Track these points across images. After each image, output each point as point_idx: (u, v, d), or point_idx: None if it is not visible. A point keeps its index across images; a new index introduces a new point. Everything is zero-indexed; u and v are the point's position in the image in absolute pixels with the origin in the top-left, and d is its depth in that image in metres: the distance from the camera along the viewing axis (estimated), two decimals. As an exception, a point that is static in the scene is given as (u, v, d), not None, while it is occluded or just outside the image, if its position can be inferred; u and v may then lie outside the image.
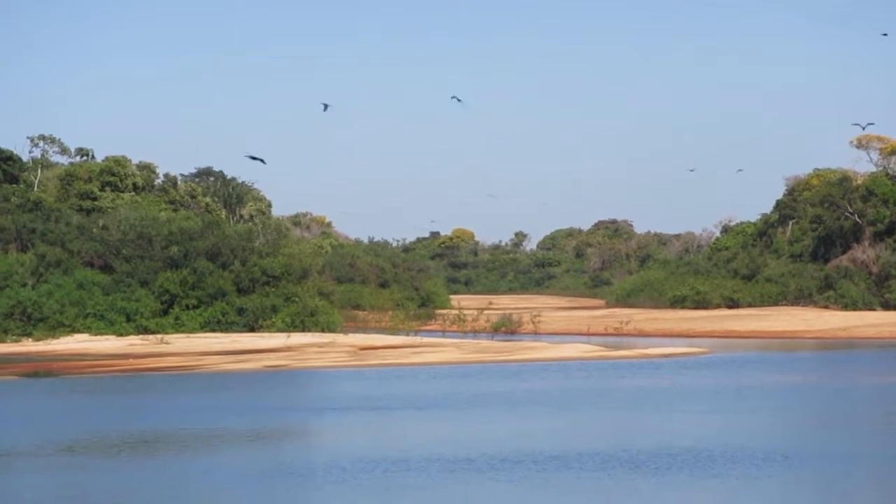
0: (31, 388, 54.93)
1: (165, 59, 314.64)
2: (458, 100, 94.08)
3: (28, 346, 79.24)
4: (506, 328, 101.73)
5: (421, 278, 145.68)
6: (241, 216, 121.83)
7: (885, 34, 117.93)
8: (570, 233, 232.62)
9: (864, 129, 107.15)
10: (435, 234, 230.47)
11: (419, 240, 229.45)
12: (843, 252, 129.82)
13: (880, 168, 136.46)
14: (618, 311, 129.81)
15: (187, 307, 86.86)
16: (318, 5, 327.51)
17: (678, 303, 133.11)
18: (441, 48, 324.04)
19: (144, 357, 70.04)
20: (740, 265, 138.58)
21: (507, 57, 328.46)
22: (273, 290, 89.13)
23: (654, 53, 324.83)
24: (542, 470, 30.16)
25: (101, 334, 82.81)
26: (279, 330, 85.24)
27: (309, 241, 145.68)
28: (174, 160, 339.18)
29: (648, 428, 38.93)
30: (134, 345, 77.92)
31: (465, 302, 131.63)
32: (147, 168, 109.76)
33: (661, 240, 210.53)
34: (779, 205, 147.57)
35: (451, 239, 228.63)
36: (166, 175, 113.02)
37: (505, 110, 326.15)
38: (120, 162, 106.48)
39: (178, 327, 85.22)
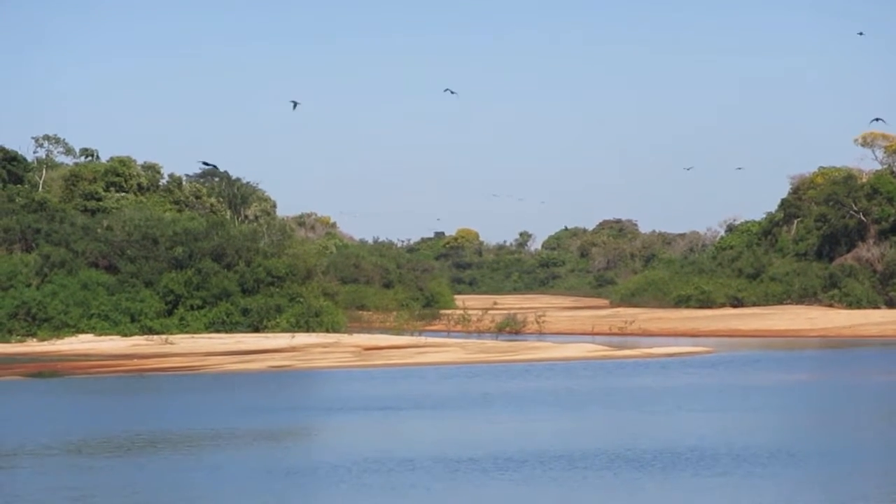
0: (36, 389, 54.95)
1: (169, 59, 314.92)
2: (452, 92, 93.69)
3: (32, 346, 79.27)
4: (510, 328, 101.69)
5: (425, 278, 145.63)
6: (246, 217, 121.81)
7: (861, 33, 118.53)
8: (575, 233, 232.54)
9: (884, 122, 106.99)
10: (439, 235, 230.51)
11: (424, 240, 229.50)
12: (848, 250, 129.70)
13: (885, 166, 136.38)
14: (622, 310, 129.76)
15: (192, 307, 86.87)
16: (322, 3, 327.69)
17: (683, 302, 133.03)
18: (446, 47, 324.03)
19: (149, 357, 70.05)
20: (745, 264, 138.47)
21: (511, 55, 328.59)
22: (277, 290, 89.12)
23: (659, 51, 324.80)
24: (547, 469, 30.14)
25: (106, 335, 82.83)
26: (283, 330, 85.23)
27: (313, 242, 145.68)
28: (179, 161, 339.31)
29: (653, 427, 38.91)
30: (138, 345, 77.93)
31: (470, 302, 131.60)
32: (152, 168, 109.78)
33: (666, 239, 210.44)
34: (783, 203, 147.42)
35: (455, 239, 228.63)
36: (171, 175, 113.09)
37: (509, 110, 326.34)
38: (125, 162, 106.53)
39: (183, 328, 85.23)
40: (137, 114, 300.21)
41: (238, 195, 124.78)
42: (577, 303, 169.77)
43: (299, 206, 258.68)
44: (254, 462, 32.17)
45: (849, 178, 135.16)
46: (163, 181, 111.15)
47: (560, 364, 66.23)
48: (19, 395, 52.10)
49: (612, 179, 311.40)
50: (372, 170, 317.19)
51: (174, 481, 29.25)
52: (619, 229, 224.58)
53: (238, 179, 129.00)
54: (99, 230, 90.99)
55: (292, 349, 75.37)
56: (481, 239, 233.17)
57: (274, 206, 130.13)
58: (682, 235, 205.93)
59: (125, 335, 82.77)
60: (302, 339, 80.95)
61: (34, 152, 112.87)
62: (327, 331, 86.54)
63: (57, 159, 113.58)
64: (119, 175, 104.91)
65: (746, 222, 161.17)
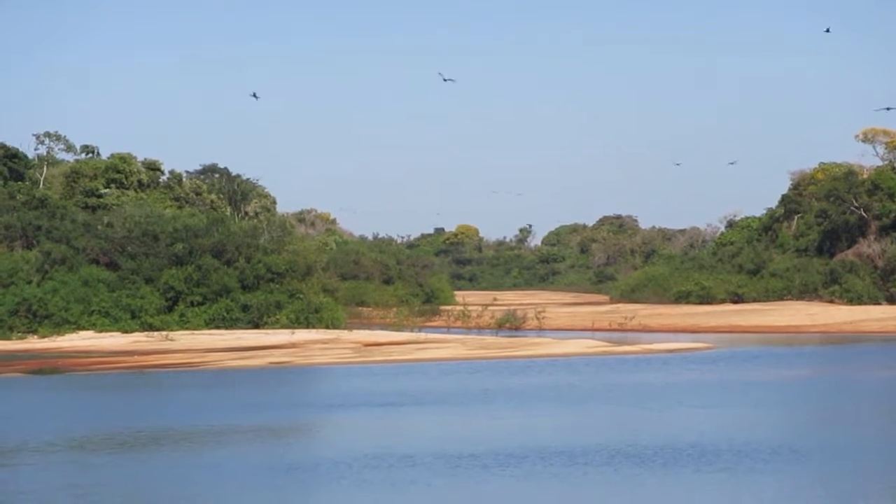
0: (37, 386, 54.95)
1: (170, 56, 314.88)
2: (446, 78, 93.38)
3: (33, 343, 79.26)
4: (510, 324, 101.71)
5: (425, 275, 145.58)
6: (246, 213, 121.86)
7: (828, 30, 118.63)
8: (575, 228, 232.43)
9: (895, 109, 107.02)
10: (439, 231, 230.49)
11: (424, 236, 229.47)
12: (849, 246, 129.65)
13: (886, 162, 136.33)
14: (622, 306, 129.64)
15: (192, 304, 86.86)
16: (321, 2, 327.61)
17: (683, 298, 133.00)
18: (445, 45, 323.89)
19: (149, 354, 70.04)
20: (745, 260, 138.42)
21: (510, 53, 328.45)
22: (277, 286, 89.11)
23: (659, 47, 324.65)
24: (548, 465, 30.14)
25: (106, 331, 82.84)
26: (283, 327, 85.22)
27: (313, 238, 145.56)
28: (179, 157, 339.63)
29: (654, 423, 38.92)
30: (139, 342, 77.92)
31: (470, 298, 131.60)
32: (152, 165, 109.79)
33: (666, 235, 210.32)
34: (784, 199, 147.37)
35: (455, 235, 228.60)
36: (171, 172, 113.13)
37: (509, 107, 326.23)
38: (125, 159, 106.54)
39: (183, 324, 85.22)
40: (138, 111, 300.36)
41: (238, 192, 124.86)
42: (577, 299, 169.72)
43: (299, 202, 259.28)
44: (255, 458, 32.17)
45: (849, 173, 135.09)
46: (163, 178, 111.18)
47: (560, 360, 66.23)
48: (21, 392, 52.12)
49: (612, 175, 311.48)
50: (372, 166, 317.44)
51: (176, 478, 29.27)
52: (619, 225, 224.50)
53: (238, 176, 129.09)
54: (99, 227, 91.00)
55: (292, 345, 75.36)
56: (481, 235, 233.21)
57: (274, 202, 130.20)
58: (683, 231, 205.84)
59: (126, 332, 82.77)
60: (302, 335, 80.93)
61: (35, 149, 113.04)
62: (327, 327, 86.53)
63: (58, 156, 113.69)
64: (119, 172, 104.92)
65: (747, 218, 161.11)
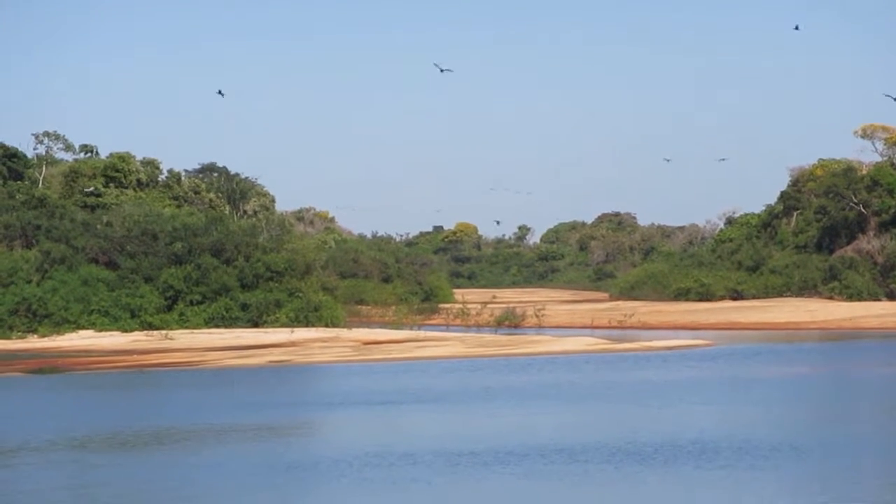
0: (37, 385, 54.94)
1: (168, 55, 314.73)
2: (442, 69, 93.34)
3: (33, 342, 79.28)
4: (509, 322, 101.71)
5: (424, 273, 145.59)
6: (245, 212, 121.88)
7: (797, 27, 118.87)
8: (574, 226, 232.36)
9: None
10: (438, 229, 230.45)
11: (422, 234, 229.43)
12: (848, 242, 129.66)
13: (885, 158, 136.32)
14: (622, 303, 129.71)
15: (191, 303, 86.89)
16: (319, 0, 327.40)
17: (682, 295, 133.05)
18: (444, 42, 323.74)
19: (149, 353, 70.05)
20: (744, 257, 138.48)
21: (509, 49, 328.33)
22: (277, 285, 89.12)
23: (658, 44, 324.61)
24: (549, 463, 30.14)
25: (106, 330, 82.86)
26: (283, 325, 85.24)
27: (312, 237, 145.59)
28: (178, 156, 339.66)
29: (654, 420, 38.91)
30: (138, 341, 77.93)
31: (469, 296, 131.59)
32: (151, 164, 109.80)
33: (665, 232, 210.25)
34: (783, 196, 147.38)
35: (454, 233, 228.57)
36: (170, 171, 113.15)
37: (508, 104, 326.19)
38: (124, 158, 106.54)
39: (183, 323, 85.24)
40: (136, 110, 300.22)
41: (237, 190, 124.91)
42: (576, 296, 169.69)
43: (298, 201, 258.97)
44: (255, 457, 32.17)
45: (849, 170, 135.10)
46: (162, 177, 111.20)
47: (560, 358, 66.23)
48: (21, 392, 52.12)
49: (611, 173, 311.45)
50: (370, 165, 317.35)
51: (176, 477, 29.27)
52: (617, 222, 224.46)
53: (237, 175, 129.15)
54: (99, 226, 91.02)
55: (292, 344, 75.39)
56: (480, 233, 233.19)
57: (273, 201, 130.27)
58: (682, 228, 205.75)
59: (125, 331, 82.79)
60: (301, 333, 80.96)
61: (34, 149, 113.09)
62: (326, 325, 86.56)
63: (57, 155, 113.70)
64: (118, 171, 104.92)
65: (746, 215, 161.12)
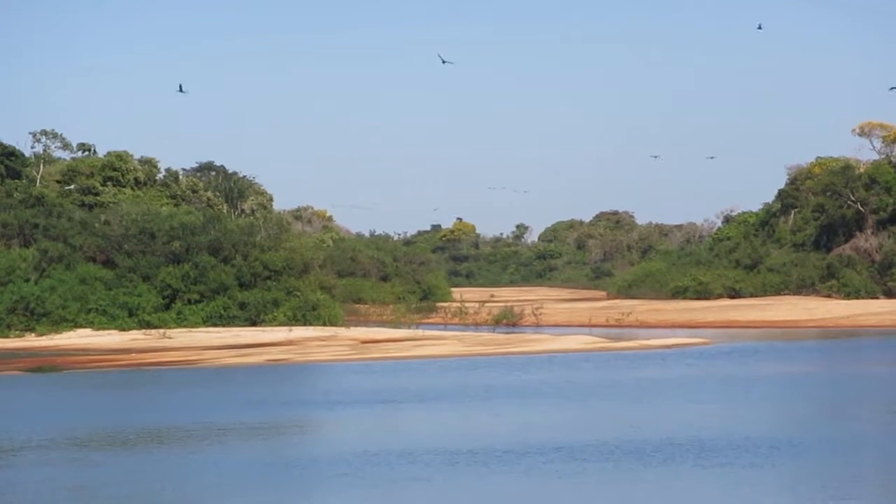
0: (36, 384, 54.90)
1: (166, 53, 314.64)
2: (444, 60, 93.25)
3: (31, 341, 79.25)
4: (507, 320, 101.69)
5: (422, 271, 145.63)
6: (243, 210, 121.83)
7: (760, 27, 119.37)
8: (572, 224, 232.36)
9: None
10: (436, 228, 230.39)
11: (420, 233, 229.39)
12: (846, 241, 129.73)
13: (883, 156, 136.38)
14: (619, 302, 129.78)
15: (189, 302, 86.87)
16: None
17: (680, 293, 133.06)
18: (442, 40, 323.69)
19: (147, 352, 70.04)
20: (742, 255, 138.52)
21: (507, 48, 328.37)
22: (275, 284, 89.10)
23: (656, 43, 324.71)
24: (548, 461, 30.14)
25: (104, 329, 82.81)
26: (281, 324, 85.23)
27: (310, 236, 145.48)
28: (175, 155, 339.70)
29: (654, 418, 38.90)
30: (136, 339, 77.92)
31: (467, 295, 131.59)
32: (148, 163, 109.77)
33: (663, 230, 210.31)
34: (781, 194, 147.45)
35: (452, 232, 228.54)
36: (168, 170, 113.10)
37: (506, 102, 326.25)
38: (122, 157, 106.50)
39: (181, 322, 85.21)
40: (134, 108, 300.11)
41: (235, 189, 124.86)
42: (574, 295, 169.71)
43: (296, 199, 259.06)
44: (254, 456, 32.17)
45: (846, 168, 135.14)
46: (160, 175, 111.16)
47: (558, 356, 66.22)
48: (20, 390, 52.09)
49: (609, 171, 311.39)
50: (368, 163, 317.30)
51: (175, 475, 29.25)
52: (615, 221, 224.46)
53: (235, 173, 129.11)
54: (97, 225, 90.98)
55: (290, 343, 75.39)
56: (478, 231, 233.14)
57: (270, 199, 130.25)
58: (679, 227, 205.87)
59: (123, 329, 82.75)
60: (299, 332, 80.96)
61: (32, 147, 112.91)
62: (324, 324, 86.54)
63: (54, 154, 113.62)
64: (116, 170, 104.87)
65: (744, 213, 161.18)
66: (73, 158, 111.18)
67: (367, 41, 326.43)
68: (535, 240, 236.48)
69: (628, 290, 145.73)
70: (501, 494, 26.66)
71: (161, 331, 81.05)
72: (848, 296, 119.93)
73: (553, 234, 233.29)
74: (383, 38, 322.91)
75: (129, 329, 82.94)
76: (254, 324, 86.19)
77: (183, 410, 42.73)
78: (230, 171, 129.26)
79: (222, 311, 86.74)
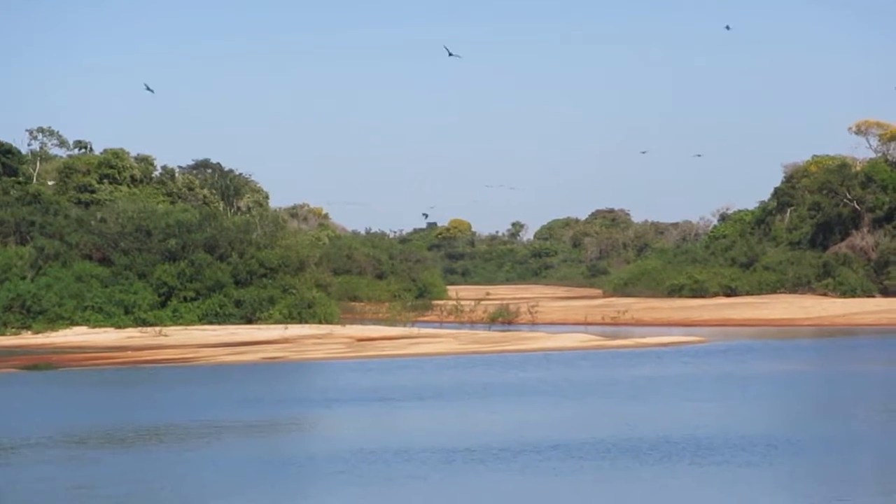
0: (32, 382, 54.88)
1: (163, 51, 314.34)
2: (451, 53, 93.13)
3: (27, 338, 79.22)
4: (503, 318, 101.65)
5: (418, 269, 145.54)
6: (239, 208, 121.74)
7: (728, 27, 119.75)
8: (568, 222, 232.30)
9: None
10: (432, 225, 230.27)
11: (416, 231, 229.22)
12: (842, 239, 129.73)
13: (879, 154, 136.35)
14: (615, 300, 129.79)
15: (185, 299, 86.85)
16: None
17: (676, 292, 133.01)
18: (439, 39, 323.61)
19: (143, 349, 70.02)
20: (738, 253, 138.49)
21: (505, 47, 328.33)
22: (270, 281, 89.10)
23: (651, 41, 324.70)
24: (544, 459, 30.16)
25: (100, 327, 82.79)
26: (277, 322, 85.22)
27: (306, 233, 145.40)
28: (171, 152, 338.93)
29: (649, 416, 38.93)
30: (132, 337, 77.90)
31: (463, 293, 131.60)
32: (145, 160, 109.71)
33: (659, 229, 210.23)
34: (777, 192, 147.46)
35: (448, 230, 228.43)
36: (164, 167, 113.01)
37: (503, 100, 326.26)
38: (118, 154, 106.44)
39: (177, 319, 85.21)
40: (130, 106, 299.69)
41: (231, 187, 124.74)
42: (569, 293, 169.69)
43: (292, 197, 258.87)
44: (252, 453, 32.19)
45: (843, 166, 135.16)
46: (156, 173, 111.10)
47: (554, 354, 66.24)
48: (16, 388, 52.07)
49: (604, 169, 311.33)
50: (364, 161, 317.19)
51: (173, 472, 29.26)
52: (611, 219, 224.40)
53: (231, 171, 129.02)
54: (93, 222, 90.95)
55: (285, 340, 75.38)
56: (474, 229, 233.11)
57: (266, 197, 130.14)
58: (675, 225, 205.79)
59: (119, 327, 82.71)
60: (295, 330, 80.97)
61: (28, 145, 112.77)
62: (320, 322, 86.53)
63: (51, 151, 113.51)
64: (112, 167, 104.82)
65: (739, 211, 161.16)
66: (70, 156, 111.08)
67: (366, 41, 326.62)
68: (531, 238, 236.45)
69: (624, 288, 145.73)
70: (498, 492, 26.68)
71: (157, 328, 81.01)
72: (844, 294, 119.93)
73: (549, 232, 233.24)
74: (382, 38, 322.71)
75: (126, 327, 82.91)
76: (250, 321, 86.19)
77: (179, 408, 42.74)
78: (226, 169, 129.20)
79: (218, 309, 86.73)
